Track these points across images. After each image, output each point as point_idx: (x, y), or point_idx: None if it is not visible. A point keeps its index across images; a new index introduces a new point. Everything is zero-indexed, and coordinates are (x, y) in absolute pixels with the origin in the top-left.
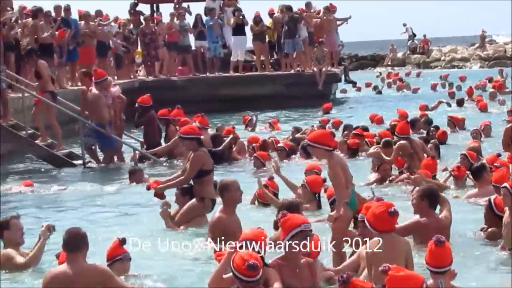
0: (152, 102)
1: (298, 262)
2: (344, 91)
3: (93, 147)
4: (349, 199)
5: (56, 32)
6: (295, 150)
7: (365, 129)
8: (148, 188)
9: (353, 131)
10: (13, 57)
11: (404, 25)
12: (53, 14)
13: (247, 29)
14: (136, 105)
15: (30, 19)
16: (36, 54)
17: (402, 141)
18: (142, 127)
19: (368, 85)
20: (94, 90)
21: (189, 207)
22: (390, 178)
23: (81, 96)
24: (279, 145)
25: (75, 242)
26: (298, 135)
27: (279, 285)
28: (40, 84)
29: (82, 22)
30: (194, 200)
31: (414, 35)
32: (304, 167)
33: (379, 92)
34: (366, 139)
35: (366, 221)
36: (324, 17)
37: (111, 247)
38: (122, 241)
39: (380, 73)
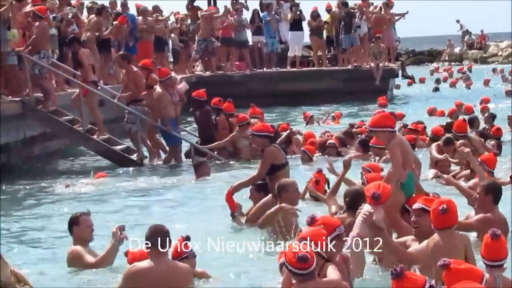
0: (206, 97)
1: (335, 260)
2: (397, 86)
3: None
4: (404, 181)
5: (115, 22)
6: (346, 143)
7: (420, 122)
8: (233, 214)
9: (408, 126)
10: (70, 52)
11: (458, 21)
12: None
13: (304, 24)
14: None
15: (93, 15)
16: (79, 42)
17: (461, 140)
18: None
19: (421, 80)
20: (158, 88)
21: (264, 203)
22: (452, 174)
23: (124, 79)
24: (329, 141)
25: (162, 239)
26: (354, 130)
27: (337, 275)
28: (81, 73)
29: (140, 18)
30: (269, 196)
31: (468, 31)
32: (358, 163)
33: (437, 89)
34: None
35: None
36: (383, 12)
37: (176, 246)
38: (186, 239)
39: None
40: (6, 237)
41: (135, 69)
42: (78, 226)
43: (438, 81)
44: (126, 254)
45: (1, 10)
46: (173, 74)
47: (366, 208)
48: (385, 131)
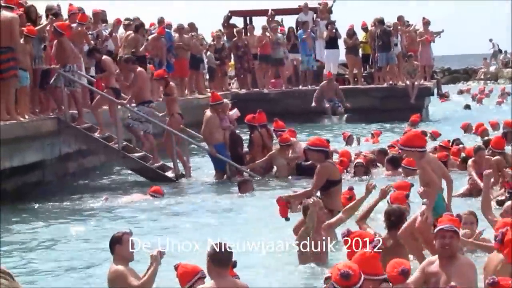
0: (240, 114)
1: None
2: None
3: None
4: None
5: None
6: (375, 162)
7: (457, 139)
8: (287, 219)
9: (439, 144)
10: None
11: (490, 40)
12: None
13: (340, 42)
14: None
15: (130, 32)
16: (98, 51)
17: (497, 156)
18: None
19: (445, 96)
20: (208, 112)
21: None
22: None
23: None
24: (357, 161)
25: (226, 257)
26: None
27: None
28: (104, 76)
29: (176, 35)
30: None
31: (500, 50)
32: (388, 181)
33: (468, 107)
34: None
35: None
36: (421, 30)
37: None
38: (233, 265)
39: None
40: (38, 251)
41: (139, 69)
42: (121, 245)
43: (473, 97)
44: (176, 267)
45: (39, 28)
46: (225, 100)
47: None
48: (414, 151)
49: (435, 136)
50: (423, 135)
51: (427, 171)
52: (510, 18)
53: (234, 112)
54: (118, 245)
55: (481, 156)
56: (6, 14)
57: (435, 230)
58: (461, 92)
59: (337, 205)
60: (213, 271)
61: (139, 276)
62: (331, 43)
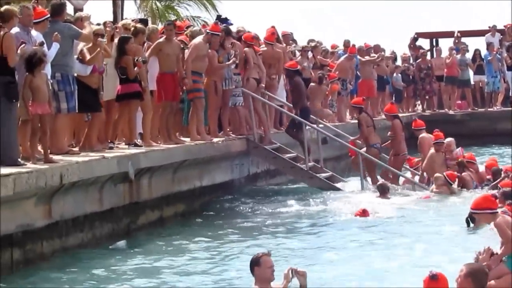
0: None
1: None
2: None
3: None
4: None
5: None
6: None
7: None
8: None
9: None
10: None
11: None
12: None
13: None
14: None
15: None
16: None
17: None
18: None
19: None
20: (432, 149)
21: None
22: None
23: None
24: None
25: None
26: None
27: None
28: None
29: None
30: None
31: None
32: None
33: None
34: None
35: None
36: None
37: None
38: (432, 277)
39: None
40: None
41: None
42: (259, 267)
43: None
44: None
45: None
46: (447, 140)
47: None
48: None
49: None
50: (493, 197)
51: (502, 228)
52: (511, 18)
53: (459, 150)
54: (257, 267)
55: None
56: (196, 40)
57: None
58: None
59: None
60: None
61: None
62: None
